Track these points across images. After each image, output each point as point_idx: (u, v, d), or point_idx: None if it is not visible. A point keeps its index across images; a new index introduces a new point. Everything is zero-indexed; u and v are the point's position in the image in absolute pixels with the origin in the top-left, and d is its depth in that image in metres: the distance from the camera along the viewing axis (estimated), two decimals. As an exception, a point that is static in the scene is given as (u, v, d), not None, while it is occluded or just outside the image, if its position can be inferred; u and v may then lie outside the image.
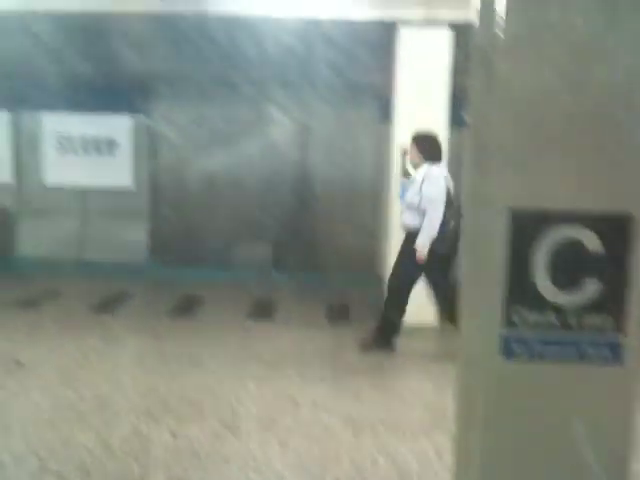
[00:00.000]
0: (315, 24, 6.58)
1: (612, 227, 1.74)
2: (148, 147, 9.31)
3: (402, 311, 5.51)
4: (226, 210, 9.19)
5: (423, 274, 5.44)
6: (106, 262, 8.88)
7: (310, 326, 6.31)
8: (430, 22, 6.00)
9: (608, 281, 1.76)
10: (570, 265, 1.76)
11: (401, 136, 6.34)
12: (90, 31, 8.29)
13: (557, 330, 1.80)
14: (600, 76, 1.68)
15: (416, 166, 5.55)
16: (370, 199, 8.89)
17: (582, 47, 1.68)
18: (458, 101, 6.97)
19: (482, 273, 1.81)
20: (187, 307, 6.97)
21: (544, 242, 1.75)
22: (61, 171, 9.36)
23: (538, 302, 1.79)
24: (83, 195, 9.37)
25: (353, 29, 6.39)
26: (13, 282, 7.80)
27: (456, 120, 7.40)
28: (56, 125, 9.32)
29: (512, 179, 1.74)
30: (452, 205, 5.34)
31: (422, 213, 5.28)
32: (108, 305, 6.97)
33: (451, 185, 5.44)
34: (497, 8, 1.68)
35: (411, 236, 5.36)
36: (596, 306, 1.78)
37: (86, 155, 9.35)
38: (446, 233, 5.24)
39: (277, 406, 4.39)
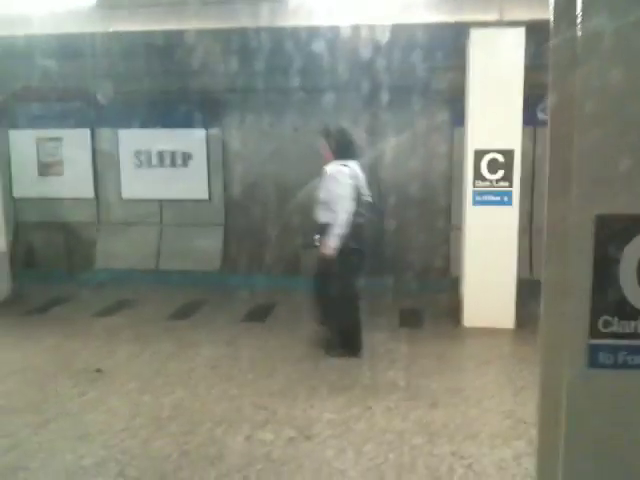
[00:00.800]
0: (385, 29, 6.55)
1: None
2: (222, 159, 9.49)
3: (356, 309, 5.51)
4: (296, 218, 9.24)
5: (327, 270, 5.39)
6: (182, 271, 9.08)
7: (382, 330, 6.25)
8: (502, 23, 5.87)
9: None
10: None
11: (475, 139, 6.22)
12: (164, 49, 8.54)
13: (647, 339, 1.72)
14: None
15: (327, 162, 5.56)
16: (444, 204, 8.78)
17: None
18: (533, 101, 6.81)
19: (567, 282, 1.73)
20: (259, 314, 7.03)
21: (632, 248, 1.65)
22: (139, 185, 9.65)
23: (626, 310, 1.70)
24: (160, 207, 9.64)
25: (425, 32, 6.31)
26: (93, 293, 8.06)
27: (530, 121, 7.23)
28: (133, 141, 9.62)
29: (598, 184, 1.66)
30: (362, 202, 5.37)
31: (332, 210, 5.30)
32: (184, 313, 7.11)
33: (362, 182, 5.45)
34: (575, 3, 1.60)
35: (323, 231, 5.36)
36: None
37: (162, 169, 9.61)
38: (356, 229, 5.28)
39: (350, 412, 4.37)
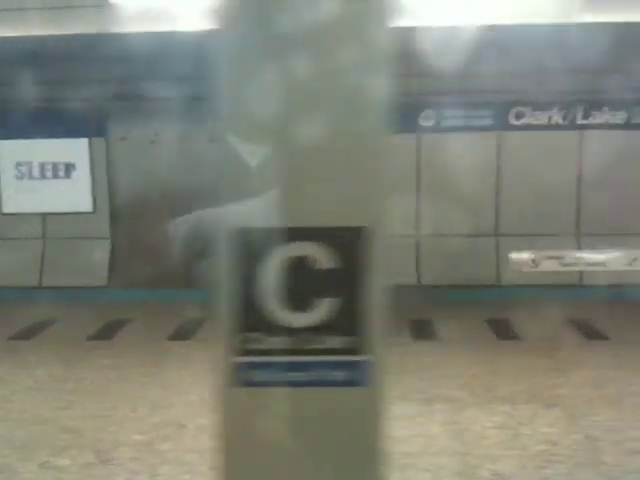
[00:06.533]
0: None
1: (345, 241, 1.55)
2: (107, 170, 9.19)
3: None
4: (189, 228, 9.04)
5: None
6: (67, 287, 8.74)
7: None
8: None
9: (344, 298, 1.58)
10: (300, 284, 1.58)
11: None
12: (43, 56, 8.24)
13: (291, 354, 1.64)
14: (342, 81, 1.46)
15: None
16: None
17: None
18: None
19: (216, 301, 1.65)
20: (108, 330, 6.73)
21: (270, 262, 1.57)
22: (20, 198, 9.27)
23: (268, 326, 1.63)
24: (43, 221, 9.27)
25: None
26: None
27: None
28: (14, 152, 9.25)
29: (239, 197, 1.58)
30: None
31: None
32: (27, 332, 6.74)
33: None
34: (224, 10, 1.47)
35: None
36: (332, 326, 1.59)
37: (44, 180, 9.25)
38: None
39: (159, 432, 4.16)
